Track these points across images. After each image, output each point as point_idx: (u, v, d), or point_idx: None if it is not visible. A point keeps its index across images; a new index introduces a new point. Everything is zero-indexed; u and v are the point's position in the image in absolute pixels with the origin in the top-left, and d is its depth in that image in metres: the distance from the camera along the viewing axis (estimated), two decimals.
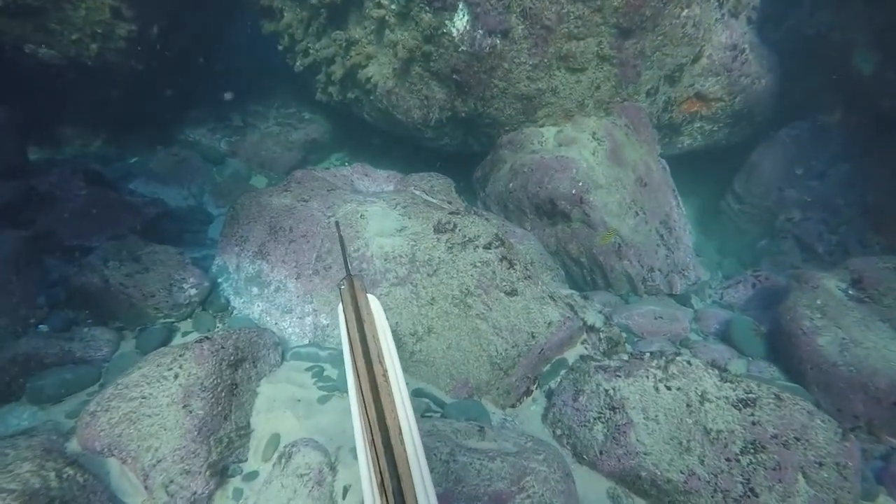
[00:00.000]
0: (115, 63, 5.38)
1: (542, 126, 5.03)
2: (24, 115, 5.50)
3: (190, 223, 5.06)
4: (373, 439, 1.26)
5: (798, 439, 2.63)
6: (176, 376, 2.50)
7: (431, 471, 1.39)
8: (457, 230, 3.53)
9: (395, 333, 3.17)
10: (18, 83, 5.38)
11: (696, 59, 5.18)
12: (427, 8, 4.52)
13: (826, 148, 5.62)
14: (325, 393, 3.04)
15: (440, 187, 4.26)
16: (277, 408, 2.87)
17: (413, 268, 3.42)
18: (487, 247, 3.44)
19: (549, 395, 3.20)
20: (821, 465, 2.56)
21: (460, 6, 4.42)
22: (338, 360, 3.25)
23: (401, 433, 1.26)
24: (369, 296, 1.52)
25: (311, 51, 5.53)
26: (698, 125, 5.78)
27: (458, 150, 5.81)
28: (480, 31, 4.50)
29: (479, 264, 3.35)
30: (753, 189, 5.82)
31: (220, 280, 3.80)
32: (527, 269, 3.54)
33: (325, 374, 3.18)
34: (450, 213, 3.69)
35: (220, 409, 2.57)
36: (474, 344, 3.18)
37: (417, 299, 3.34)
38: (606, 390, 2.95)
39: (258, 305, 3.62)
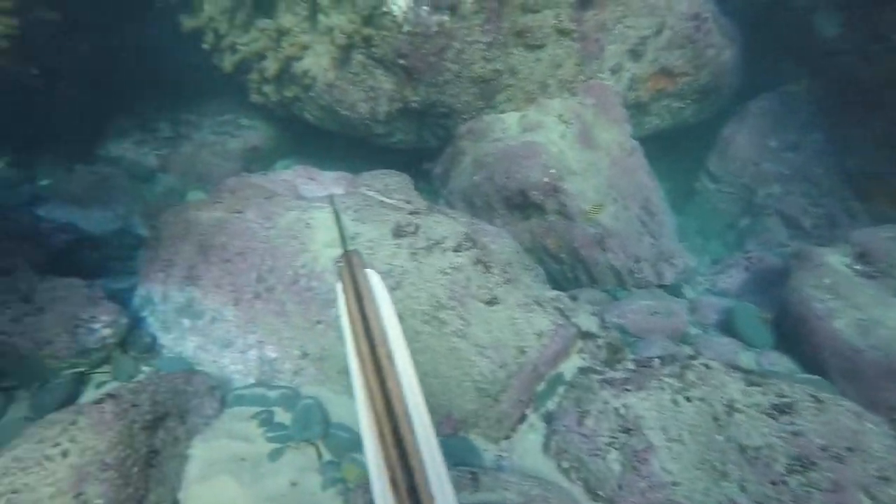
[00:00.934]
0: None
1: (503, 112, 4.50)
2: None
3: (116, 249, 4.33)
4: (381, 431, 1.14)
5: (851, 450, 2.16)
6: (65, 454, 1.84)
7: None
8: (419, 232, 2.97)
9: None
10: None
11: (658, 31, 4.74)
12: None
13: (797, 117, 5.28)
14: (276, 445, 2.43)
15: (396, 185, 3.69)
16: (215, 474, 2.24)
17: None
18: (457, 249, 2.88)
19: (549, 418, 2.65)
20: (886, 479, 2.08)
21: None
22: (291, 402, 2.64)
23: (410, 422, 1.13)
24: (368, 271, 1.39)
25: (238, 46, 4.86)
26: (665, 103, 5.35)
27: (413, 147, 5.23)
28: (426, 8, 3.94)
29: (449, 271, 2.79)
30: (728, 166, 5.44)
31: (144, 314, 3.13)
32: (506, 272, 3.00)
33: (276, 420, 2.57)
34: (409, 214, 3.12)
35: (130, 490, 1.92)
36: (454, 367, 2.61)
37: None
38: (616, 409, 2.43)
39: (191, 340, 2.97)
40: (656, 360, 2.78)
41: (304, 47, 4.52)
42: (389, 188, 3.62)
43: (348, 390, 2.70)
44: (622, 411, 2.41)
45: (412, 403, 1.21)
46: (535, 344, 2.73)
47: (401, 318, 2.77)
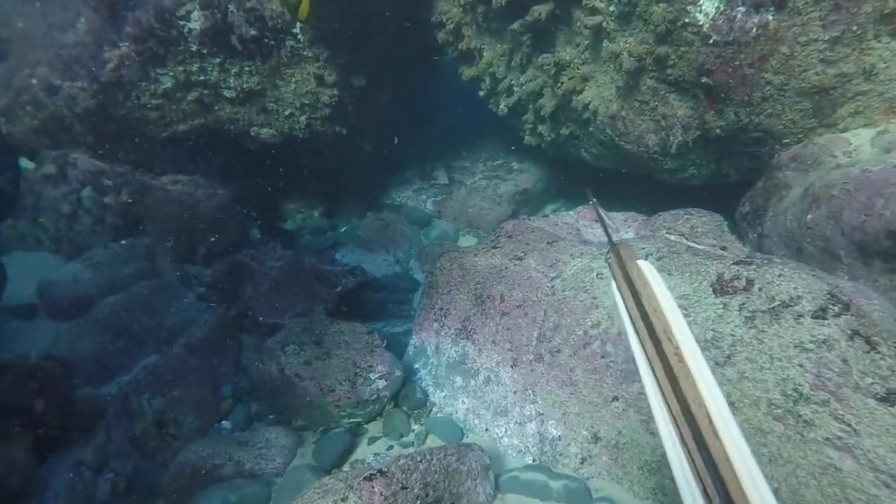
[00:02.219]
0: (321, 132, 5.10)
1: (844, 130, 3.36)
2: (252, 194, 5.49)
3: (394, 292, 4.36)
4: (682, 437, 0.98)
5: None
6: None
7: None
8: (755, 289, 2.15)
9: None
10: (244, 165, 5.39)
11: None
12: None
13: None
14: None
15: (706, 228, 2.90)
16: None
17: None
18: (821, 315, 1.98)
19: None
20: None
21: None
22: (579, 499, 2.03)
23: (712, 424, 0.95)
24: (640, 262, 1.22)
25: (514, 88, 4.65)
26: None
27: (705, 183, 4.32)
28: (741, 9, 3.13)
29: (812, 346, 1.91)
30: None
31: (416, 366, 2.89)
32: None
33: None
34: (735, 264, 2.32)
35: None
36: (829, 497, 1.71)
37: None
38: None
39: (463, 402, 2.60)
40: None
41: (585, 79, 4.06)
42: (697, 231, 2.85)
43: (652, 494, 1.99)
44: None
45: (710, 401, 1.04)
46: None
47: (735, 406, 2.00)
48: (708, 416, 1.01)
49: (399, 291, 4.36)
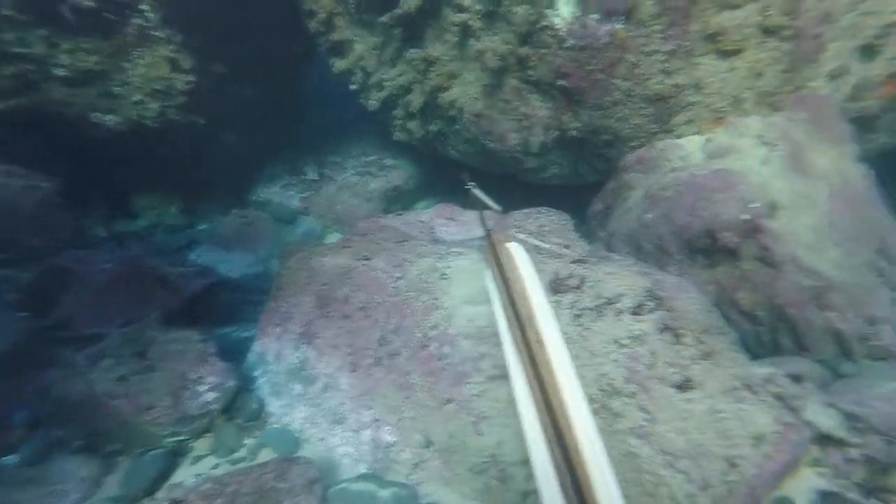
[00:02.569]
0: (176, 121, 4.70)
1: (679, 137, 3.60)
2: (93, 188, 4.95)
3: (251, 293, 4.10)
4: (542, 425, 1.03)
5: None
6: None
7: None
8: (585, 287, 2.20)
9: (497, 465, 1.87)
10: (83, 155, 4.83)
11: None
12: None
13: None
14: None
15: (553, 226, 2.96)
16: None
17: None
18: (637, 311, 2.06)
19: None
20: None
21: None
22: None
23: (568, 415, 0.98)
24: (509, 245, 1.22)
25: (385, 83, 4.54)
26: None
27: (565, 182, 4.48)
28: (595, 16, 3.24)
29: (627, 341, 1.98)
30: None
31: (255, 374, 2.70)
32: (702, 343, 2.12)
33: None
34: (573, 262, 2.37)
35: None
36: (632, 483, 1.77)
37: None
38: None
39: (300, 411, 2.46)
40: None
41: (452, 76, 4.04)
42: (544, 230, 2.91)
43: (480, 495, 1.98)
44: None
45: (566, 389, 1.09)
46: (751, 454, 1.81)
47: None
48: (564, 406, 1.03)
49: (257, 292, 4.10)
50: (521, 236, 2.87)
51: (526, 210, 3.12)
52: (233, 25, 4.80)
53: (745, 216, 3.02)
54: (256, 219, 5.00)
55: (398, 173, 5.54)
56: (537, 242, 2.76)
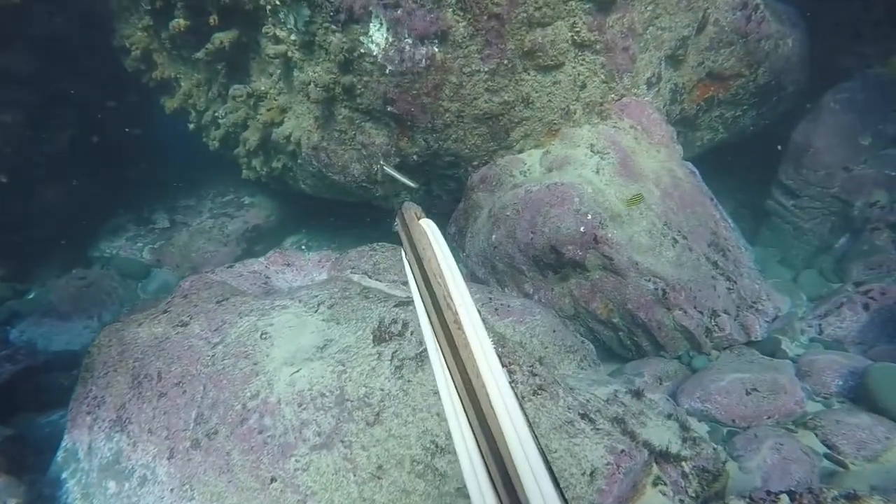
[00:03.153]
0: None
1: (520, 151, 3.61)
2: None
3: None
4: (466, 414, 0.88)
5: None
6: None
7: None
8: (408, 333, 2.06)
9: None
10: None
11: (700, 29, 3.77)
12: (333, 27, 3.19)
13: (892, 104, 4.13)
14: None
15: (388, 262, 2.81)
16: None
17: (343, 413, 1.93)
18: None
19: None
20: None
21: (374, 13, 3.09)
22: None
23: (489, 397, 0.85)
24: (423, 221, 1.03)
25: (219, 120, 4.23)
26: (717, 113, 4.33)
27: (424, 204, 4.39)
28: (409, 41, 3.15)
29: None
30: (808, 177, 4.30)
31: (64, 476, 2.33)
32: (535, 376, 2.04)
33: None
34: (397, 305, 2.23)
35: None
36: None
37: (354, 472, 1.83)
38: None
39: None
40: (784, 497, 1.73)
41: (283, 110, 3.82)
42: (380, 267, 2.75)
43: None
44: None
45: (486, 372, 0.87)
46: (586, 492, 1.74)
47: (381, 470, 1.87)
48: (485, 388, 0.89)
49: None
50: (356, 277, 2.70)
51: (360, 248, 2.96)
52: (32, 66, 4.27)
53: (582, 228, 3.04)
54: (99, 278, 4.48)
55: (256, 212, 5.22)
56: (371, 283, 2.61)
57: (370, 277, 2.69)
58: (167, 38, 3.97)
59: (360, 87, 3.39)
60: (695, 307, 3.17)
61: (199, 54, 3.71)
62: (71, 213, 4.87)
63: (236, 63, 3.86)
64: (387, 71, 3.22)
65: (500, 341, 2.07)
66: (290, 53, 3.48)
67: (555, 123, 3.50)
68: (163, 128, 5.74)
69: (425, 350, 1.97)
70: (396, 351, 2.01)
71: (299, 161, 4.01)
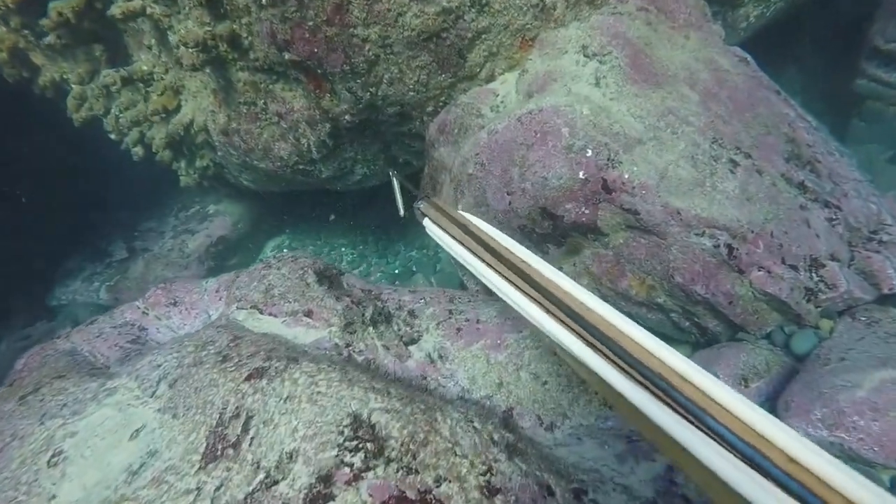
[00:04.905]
0: None
1: (489, 80, 2.49)
2: None
3: None
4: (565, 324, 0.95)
5: None
6: None
7: None
8: (245, 445, 1.06)
9: None
10: None
11: None
12: None
13: None
14: None
15: (286, 285, 1.80)
16: None
17: None
18: (326, 480, 0.93)
19: None
20: None
21: None
22: None
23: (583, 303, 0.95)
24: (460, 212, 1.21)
25: (121, 121, 3.31)
26: None
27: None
28: None
29: None
30: None
31: None
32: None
33: None
34: (245, 380, 1.23)
35: None
36: None
37: None
38: None
39: None
40: None
41: (176, 91, 2.84)
42: (274, 293, 1.75)
43: None
44: None
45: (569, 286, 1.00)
46: None
47: None
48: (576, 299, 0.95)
49: None
50: (242, 315, 1.72)
51: (252, 269, 1.96)
52: None
53: (582, 173, 1.91)
54: (43, 335, 3.75)
55: (221, 221, 4.33)
56: (257, 323, 1.62)
57: (261, 312, 1.70)
58: (30, 30, 3.05)
59: (244, 34, 2.35)
60: (783, 260, 2.00)
61: (50, 38, 2.77)
62: (17, 265, 4.14)
63: (109, 42, 2.89)
64: (264, 2, 2.16)
65: (380, 444, 1.04)
66: (149, 10, 2.48)
67: (528, 28, 2.35)
68: (106, 148, 4.91)
69: (266, 480, 0.97)
70: (221, 486, 1.02)
71: (220, 153, 3.04)
